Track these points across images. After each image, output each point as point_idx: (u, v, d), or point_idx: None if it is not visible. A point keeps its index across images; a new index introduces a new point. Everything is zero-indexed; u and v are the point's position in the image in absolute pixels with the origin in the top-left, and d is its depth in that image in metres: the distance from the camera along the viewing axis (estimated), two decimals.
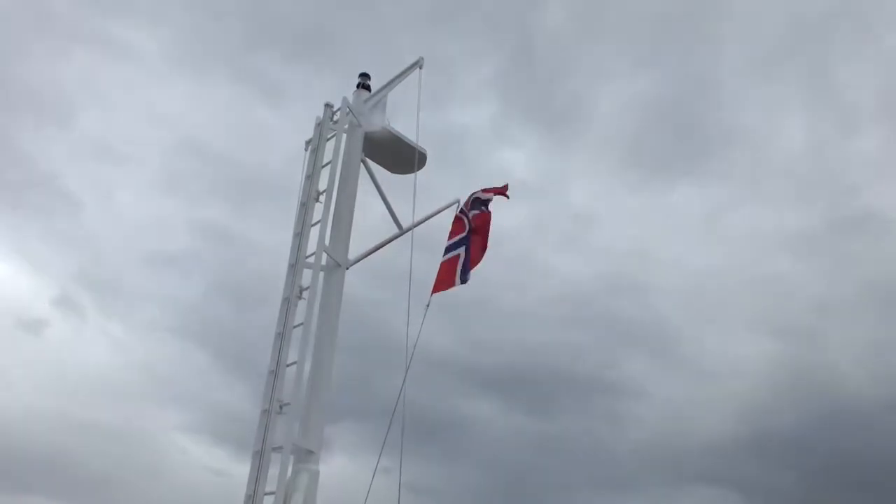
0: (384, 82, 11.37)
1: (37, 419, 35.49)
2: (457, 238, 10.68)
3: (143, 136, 42.26)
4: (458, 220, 10.89)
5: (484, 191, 11.12)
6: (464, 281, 10.39)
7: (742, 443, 42.22)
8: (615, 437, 43.12)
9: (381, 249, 10.81)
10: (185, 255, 40.29)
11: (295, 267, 9.94)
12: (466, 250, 10.52)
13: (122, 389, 38.53)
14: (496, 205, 11.11)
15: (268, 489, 9.07)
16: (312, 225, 10.10)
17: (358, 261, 10.41)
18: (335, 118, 10.71)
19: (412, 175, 11.13)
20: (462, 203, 11.03)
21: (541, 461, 42.24)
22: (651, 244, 46.43)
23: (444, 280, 10.39)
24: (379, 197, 10.92)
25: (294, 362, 9.43)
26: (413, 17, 41.56)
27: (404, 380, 9.74)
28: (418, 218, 10.67)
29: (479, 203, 11.07)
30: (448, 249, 10.69)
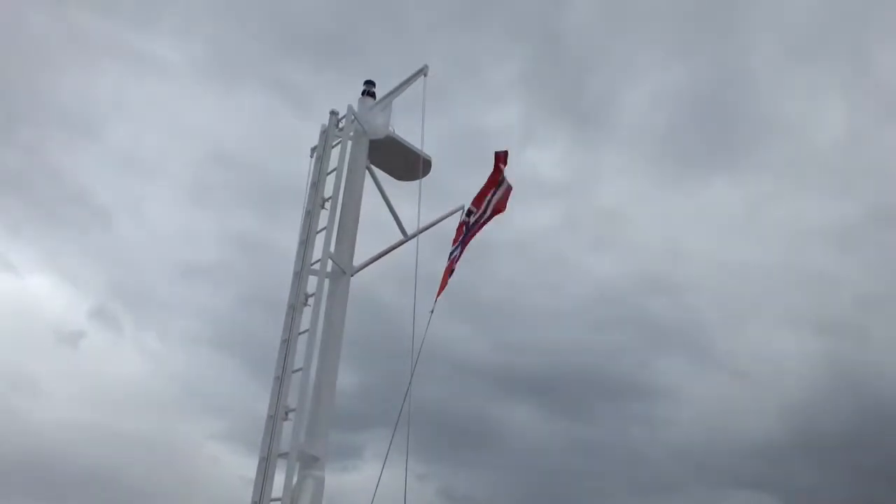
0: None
1: (74, 430, 36.07)
2: (458, 243, 10.77)
3: (171, 148, 42.93)
4: (460, 228, 10.95)
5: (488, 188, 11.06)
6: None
7: (784, 444, 41.05)
8: (652, 440, 42.41)
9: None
10: (216, 265, 40.81)
11: (300, 274, 10.01)
12: (462, 250, 10.62)
13: (157, 399, 39.06)
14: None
15: (273, 496, 9.13)
16: (318, 232, 10.17)
17: (363, 267, 10.46)
18: (340, 125, 10.79)
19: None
20: (467, 208, 11.06)
21: (577, 466, 41.76)
22: (685, 241, 45.47)
23: (446, 283, 10.48)
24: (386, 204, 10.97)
25: (300, 369, 9.48)
26: (436, 20, 41.46)
27: (409, 383, 9.75)
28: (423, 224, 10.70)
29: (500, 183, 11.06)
30: (450, 255, 10.76)
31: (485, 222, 10.94)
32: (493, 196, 11.04)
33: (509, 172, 11.22)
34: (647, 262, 44.08)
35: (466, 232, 10.87)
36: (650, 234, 45.24)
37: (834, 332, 43.80)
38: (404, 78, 11.34)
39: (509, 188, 11.11)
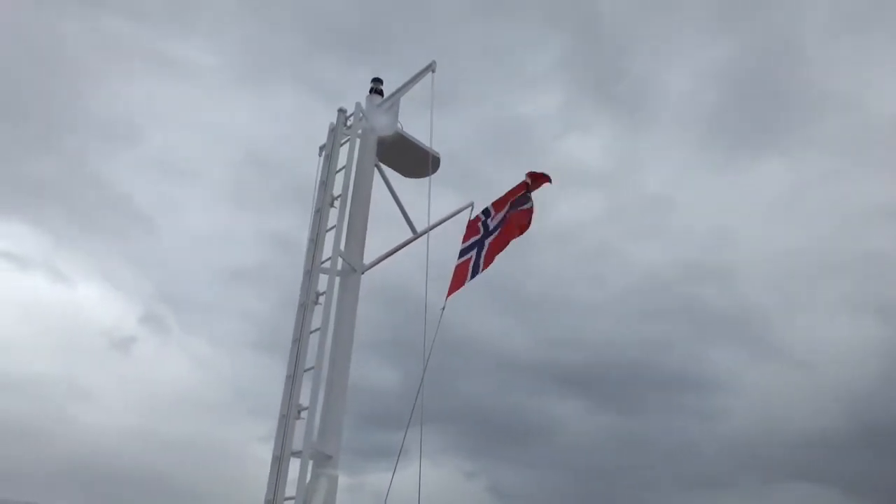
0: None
1: (126, 435, 36.69)
2: (471, 241, 10.68)
3: (208, 151, 43.44)
4: (472, 224, 10.86)
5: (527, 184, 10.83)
6: (472, 276, 10.42)
7: (845, 436, 39.70)
8: (704, 433, 41.45)
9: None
10: (259, 267, 41.22)
11: (311, 272, 10.05)
12: (478, 253, 10.50)
13: (206, 403, 39.54)
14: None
15: (287, 494, 9.16)
16: (328, 230, 10.21)
17: (373, 265, 10.48)
18: (348, 123, 10.82)
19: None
20: (482, 209, 10.97)
21: (627, 460, 41.02)
22: (735, 225, 44.13)
23: (458, 283, 10.40)
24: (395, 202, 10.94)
25: (312, 367, 9.51)
26: (470, 10, 41.02)
27: (421, 381, 9.69)
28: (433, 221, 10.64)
29: (521, 201, 10.86)
30: (462, 252, 10.68)
31: (504, 239, 10.66)
32: (510, 209, 10.78)
33: (546, 169, 10.96)
34: (696, 248, 43.01)
35: (484, 233, 10.73)
36: (698, 219, 44.08)
37: (894, 317, 42.24)
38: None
39: (532, 210, 10.81)
